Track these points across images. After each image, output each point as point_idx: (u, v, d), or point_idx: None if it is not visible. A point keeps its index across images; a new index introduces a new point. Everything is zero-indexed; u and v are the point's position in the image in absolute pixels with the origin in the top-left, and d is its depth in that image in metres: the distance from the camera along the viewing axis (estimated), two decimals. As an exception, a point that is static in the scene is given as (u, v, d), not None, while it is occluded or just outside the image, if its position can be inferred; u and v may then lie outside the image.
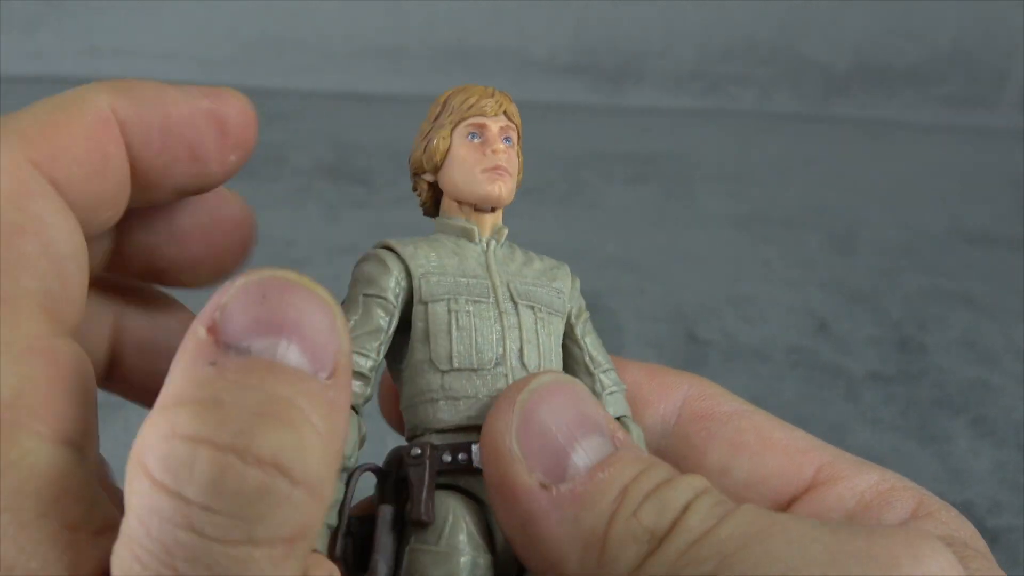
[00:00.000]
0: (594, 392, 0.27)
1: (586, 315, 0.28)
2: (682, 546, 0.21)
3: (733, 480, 0.27)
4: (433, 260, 0.26)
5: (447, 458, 0.25)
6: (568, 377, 0.24)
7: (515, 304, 0.26)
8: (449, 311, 0.26)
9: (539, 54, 1.26)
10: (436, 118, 0.27)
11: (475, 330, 0.26)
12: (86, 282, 0.23)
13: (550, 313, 0.27)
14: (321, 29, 1.26)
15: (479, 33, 1.26)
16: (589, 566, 0.22)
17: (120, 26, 1.26)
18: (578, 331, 0.28)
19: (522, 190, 0.28)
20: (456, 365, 0.25)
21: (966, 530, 0.25)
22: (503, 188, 0.27)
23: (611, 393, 0.27)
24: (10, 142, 0.23)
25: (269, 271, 0.21)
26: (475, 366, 0.25)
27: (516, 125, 0.27)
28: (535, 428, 0.23)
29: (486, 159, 0.27)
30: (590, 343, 0.28)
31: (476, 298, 0.26)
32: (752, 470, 0.27)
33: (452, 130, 0.27)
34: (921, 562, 0.20)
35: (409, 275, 0.26)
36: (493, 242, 0.27)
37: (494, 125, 0.27)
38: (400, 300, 0.26)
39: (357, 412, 0.25)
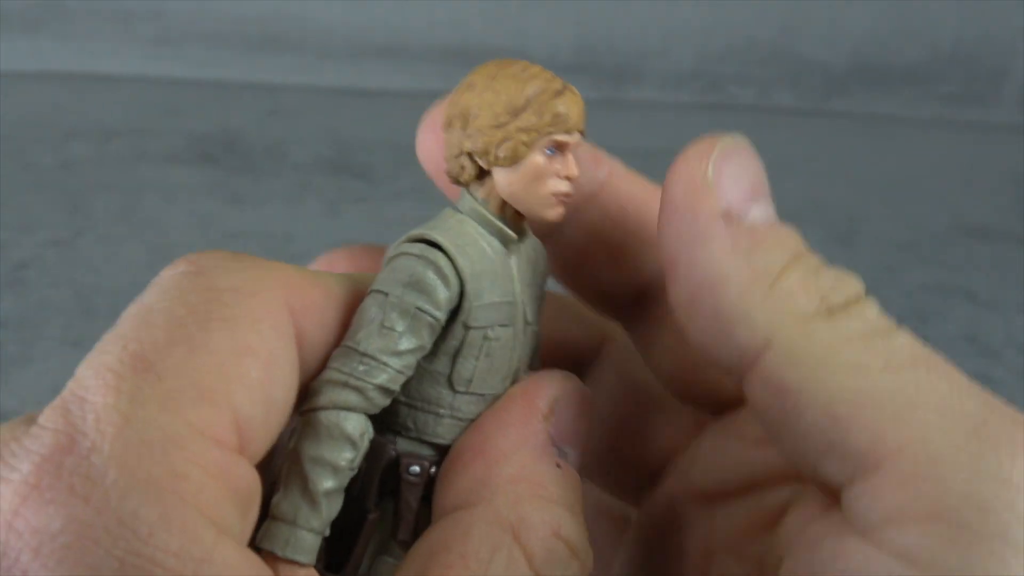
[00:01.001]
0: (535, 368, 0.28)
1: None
2: (858, 331, 0.22)
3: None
4: (483, 276, 0.25)
5: (434, 472, 0.25)
6: (747, 140, 0.25)
7: (526, 324, 0.26)
8: (484, 338, 0.25)
9: (540, 54, 1.26)
10: (518, 113, 0.25)
11: (497, 359, 0.25)
12: (283, 421, 0.23)
13: (538, 324, 0.27)
14: (321, 29, 1.26)
15: (480, 33, 1.25)
16: (752, 297, 0.22)
17: (120, 21, 1.25)
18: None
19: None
20: (472, 389, 0.25)
21: None
22: (562, 217, 0.26)
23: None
24: (276, 277, 0.24)
25: (584, 395, 0.25)
26: (485, 391, 0.25)
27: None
28: (730, 168, 0.24)
29: (558, 184, 0.25)
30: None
31: (504, 323, 0.25)
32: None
33: (535, 140, 0.25)
34: None
35: (462, 296, 0.24)
36: (520, 249, 0.26)
37: (573, 143, 0.25)
38: (447, 318, 0.25)
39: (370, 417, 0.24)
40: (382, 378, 0.24)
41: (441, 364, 0.25)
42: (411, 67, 1.27)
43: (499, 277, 0.25)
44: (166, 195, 1.00)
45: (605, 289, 0.30)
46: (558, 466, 0.24)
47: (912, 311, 0.87)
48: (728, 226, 0.23)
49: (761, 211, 0.24)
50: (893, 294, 0.90)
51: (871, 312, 0.23)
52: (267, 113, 1.21)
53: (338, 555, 0.25)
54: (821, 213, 1.06)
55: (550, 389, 0.25)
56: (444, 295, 0.24)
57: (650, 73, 1.27)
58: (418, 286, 0.24)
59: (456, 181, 0.26)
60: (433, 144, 0.28)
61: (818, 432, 0.22)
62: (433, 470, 0.25)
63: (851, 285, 0.23)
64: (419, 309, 0.24)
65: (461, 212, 0.26)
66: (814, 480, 0.23)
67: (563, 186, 0.25)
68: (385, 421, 0.25)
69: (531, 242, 0.27)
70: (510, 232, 0.25)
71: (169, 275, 0.23)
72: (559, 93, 0.25)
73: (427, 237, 0.24)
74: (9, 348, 0.73)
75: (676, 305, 0.24)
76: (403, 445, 0.25)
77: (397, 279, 0.24)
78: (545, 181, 0.25)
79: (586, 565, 0.23)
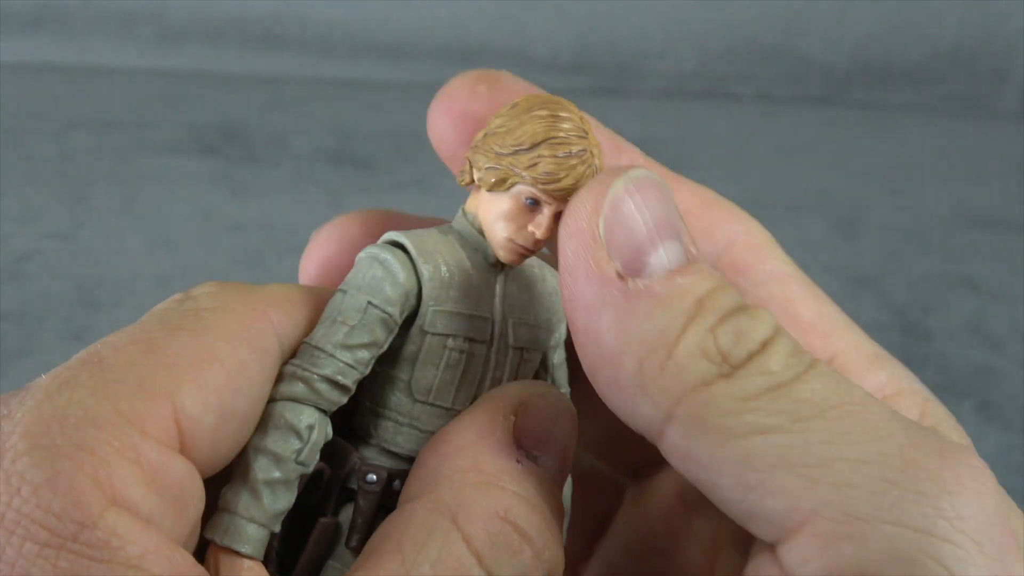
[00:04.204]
0: None
1: (563, 347, 0.27)
2: (759, 388, 0.21)
3: None
4: (448, 283, 0.25)
5: (397, 485, 0.25)
6: (660, 178, 0.23)
7: (508, 349, 0.25)
8: (445, 347, 0.25)
9: (540, 54, 1.25)
10: (521, 152, 0.24)
11: (462, 372, 0.25)
12: (246, 431, 0.24)
13: (534, 351, 0.26)
14: (322, 29, 1.26)
15: (480, 33, 1.25)
16: (648, 370, 0.21)
17: (121, 13, 1.25)
18: (553, 355, 0.27)
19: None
20: (432, 400, 0.25)
21: (965, 443, 0.25)
22: (517, 263, 0.25)
23: None
24: (261, 297, 0.25)
25: (558, 402, 0.24)
26: (448, 405, 0.25)
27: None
28: (623, 217, 0.22)
29: (523, 234, 0.24)
30: (557, 368, 0.27)
31: (475, 337, 0.25)
32: None
33: (517, 184, 0.24)
34: (978, 496, 0.20)
35: (420, 298, 0.25)
36: (516, 273, 0.26)
37: (557, 207, 0.24)
38: (403, 318, 0.25)
39: (327, 415, 0.24)
40: (328, 370, 0.24)
41: (402, 370, 0.25)
42: (411, 66, 1.27)
43: (473, 290, 0.25)
44: (167, 186, 0.99)
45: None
46: (518, 462, 0.23)
47: (915, 301, 0.87)
48: (623, 290, 0.22)
49: (664, 256, 0.22)
50: (896, 284, 0.90)
51: (776, 361, 0.21)
52: (268, 104, 1.21)
53: (293, 558, 0.25)
54: (824, 203, 1.06)
55: (519, 393, 0.24)
56: (394, 291, 0.24)
57: (651, 73, 1.27)
58: (371, 282, 0.24)
59: (459, 179, 0.26)
60: (444, 125, 0.27)
61: (733, 500, 0.21)
62: (396, 484, 0.25)
63: (755, 332, 0.21)
64: (370, 303, 0.24)
65: (452, 225, 0.26)
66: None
67: (524, 238, 0.25)
68: (352, 427, 0.26)
69: (539, 272, 0.27)
70: (489, 252, 0.25)
71: (162, 302, 0.24)
72: (567, 155, 0.24)
73: (394, 239, 0.25)
74: (9, 341, 0.73)
75: (584, 366, 0.23)
76: (366, 452, 0.25)
77: (355, 276, 0.25)
78: (510, 224, 0.24)
79: (542, 556, 0.22)
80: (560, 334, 0.27)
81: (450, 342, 0.25)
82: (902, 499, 0.20)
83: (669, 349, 0.21)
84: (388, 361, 0.25)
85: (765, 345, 0.21)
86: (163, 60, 1.27)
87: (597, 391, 0.23)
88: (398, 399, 0.25)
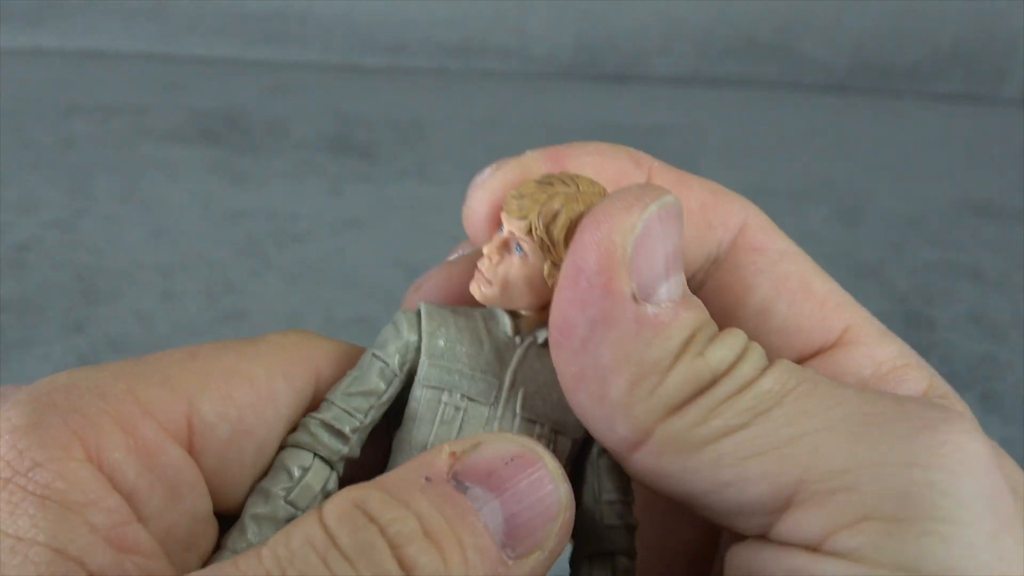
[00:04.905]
0: (590, 523, 0.25)
1: None
2: (724, 395, 0.22)
3: (770, 324, 0.26)
4: (453, 342, 0.25)
5: None
6: (681, 206, 0.23)
7: (515, 415, 0.25)
8: (440, 402, 0.25)
9: (540, 53, 1.25)
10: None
11: (458, 430, 0.25)
12: (261, 458, 0.25)
13: (557, 432, 0.25)
14: (322, 20, 1.25)
15: (480, 32, 1.25)
16: (638, 393, 0.22)
17: (120, 2, 1.25)
18: (595, 454, 0.26)
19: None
20: None
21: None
22: (479, 292, 0.25)
23: (612, 527, 0.25)
24: (315, 346, 0.26)
25: (521, 447, 0.23)
26: None
27: (545, 236, 0.24)
28: (650, 243, 0.22)
29: (482, 258, 0.25)
30: (604, 470, 0.26)
31: (474, 396, 0.25)
32: (789, 317, 0.26)
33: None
34: (955, 435, 0.21)
35: (419, 351, 0.25)
36: (534, 340, 0.25)
37: (505, 227, 0.24)
38: (405, 372, 0.25)
39: (332, 467, 0.25)
40: (326, 415, 0.24)
41: (405, 430, 0.25)
42: (412, 55, 1.27)
43: (483, 353, 0.25)
44: (168, 174, 0.99)
45: None
46: (427, 479, 0.22)
47: (918, 290, 0.87)
48: (635, 311, 0.22)
49: (672, 287, 0.23)
50: (899, 273, 0.89)
51: (744, 369, 0.22)
52: (269, 91, 1.21)
53: None
54: (827, 191, 1.05)
55: (488, 437, 0.23)
56: (395, 343, 0.25)
57: (651, 72, 1.27)
58: (381, 338, 0.25)
59: None
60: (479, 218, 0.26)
61: (713, 503, 0.22)
62: None
63: (735, 344, 0.23)
64: (373, 355, 0.25)
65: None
66: (739, 531, 0.23)
67: (481, 260, 0.25)
68: None
69: None
70: (503, 318, 0.25)
71: None
72: (522, 186, 0.24)
73: (422, 302, 0.26)
74: (10, 331, 0.73)
75: (560, 371, 0.23)
76: None
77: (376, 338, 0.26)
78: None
79: (390, 535, 0.20)
80: None
81: (445, 396, 0.25)
82: (876, 444, 0.21)
83: (662, 376, 0.22)
84: (399, 424, 0.25)
85: (743, 352, 0.23)
86: (164, 47, 1.27)
87: (570, 399, 0.23)
88: (405, 459, 0.25)
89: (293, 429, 0.25)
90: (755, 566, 0.22)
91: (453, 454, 0.22)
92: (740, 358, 0.22)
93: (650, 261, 0.22)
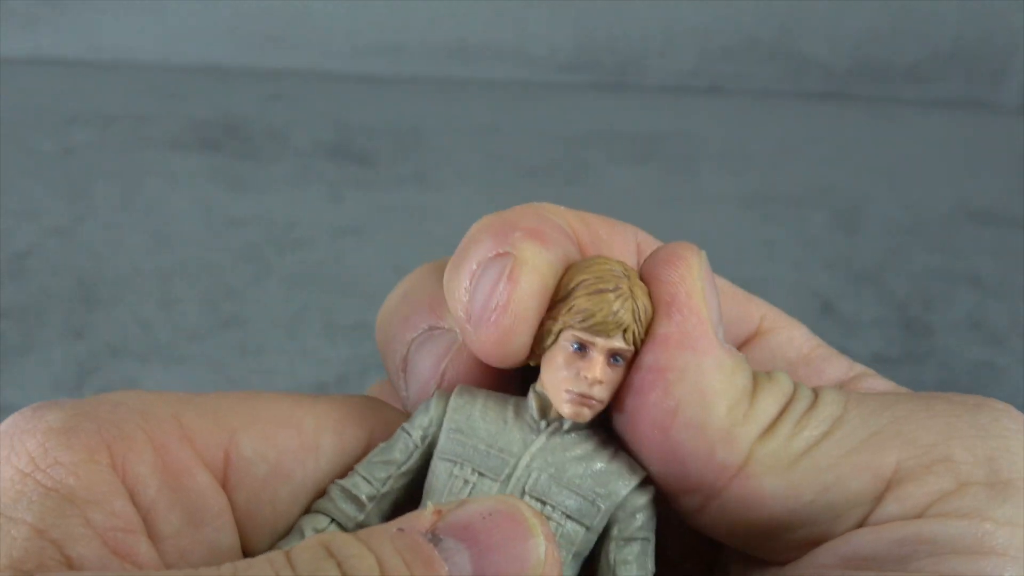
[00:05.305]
0: None
1: (638, 545, 0.25)
2: (800, 410, 0.24)
3: None
4: (475, 419, 0.25)
5: None
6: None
7: (523, 494, 0.25)
8: (450, 475, 0.25)
9: (540, 53, 1.25)
10: (559, 303, 0.24)
11: None
12: (292, 506, 0.25)
13: (568, 518, 0.25)
14: (322, 22, 1.26)
15: (480, 32, 1.25)
16: (735, 416, 0.24)
17: (121, 7, 1.25)
18: (612, 548, 0.25)
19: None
20: None
21: None
22: (583, 416, 0.24)
23: None
24: (372, 408, 0.26)
25: (503, 504, 0.23)
26: None
27: (635, 335, 0.24)
28: (712, 288, 0.25)
29: (578, 381, 0.24)
30: (620, 564, 0.25)
31: (484, 471, 0.25)
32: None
33: (560, 331, 0.24)
34: (1011, 415, 0.24)
35: (441, 426, 0.25)
36: (561, 424, 0.25)
37: (604, 345, 0.24)
38: (425, 444, 0.25)
39: (344, 529, 0.25)
40: (347, 482, 0.25)
41: (421, 504, 0.25)
42: (412, 61, 1.27)
43: (503, 433, 0.25)
44: (168, 181, 0.99)
45: None
46: (400, 530, 0.22)
47: (916, 296, 0.87)
48: (719, 341, 0.24)
49: (723, 331, 0.25)
50: (897, 279, 0.90)
51: (804, 391, 0.24)
52: (268, 98, 1.21)
53: None
54: (826, 198, 1.05)
55: (471, 498, 0.23)
56: (422, 419, 0.25)
57: (651, 72, 1.27)
58: (412, 416, 0.26)
59: (533, 362, 0.26)
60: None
61: (820, 508, 0.23)
62: None
63: (786, 376, 0.25)
64: (402, 429, 0.25)
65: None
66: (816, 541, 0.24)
67: (578, 385, 0.24)
68: None
69: (606, 452, 0.25)
70: (533, 405, 0.25)
71: None
72: (600, 292, 0.24)
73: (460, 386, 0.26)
74: (10, 337, 0.73)
75: (652, 415, 0.24)
76: None
77: None
78: (562, 374, 0.24)
79: (345, 571, 0.21)
80: (622, 527, 0.25)
81: (457, 469, 0.25)
82: (950, 423, 0.23)
83: (751, 399, 0.24)
84: (419, 500, 0.25)
85: (795, 383, 0.25)
86: (163, 55, 1.27)
87: (664, 438, 0.24)
88: None
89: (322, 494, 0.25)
90: (848, 549, 0.23)
91: (438, 512, 0.22)
92: (796, 383, 0.25)
93: (714, 301, 0.24)
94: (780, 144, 1.18)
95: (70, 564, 0.20)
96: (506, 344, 0.24)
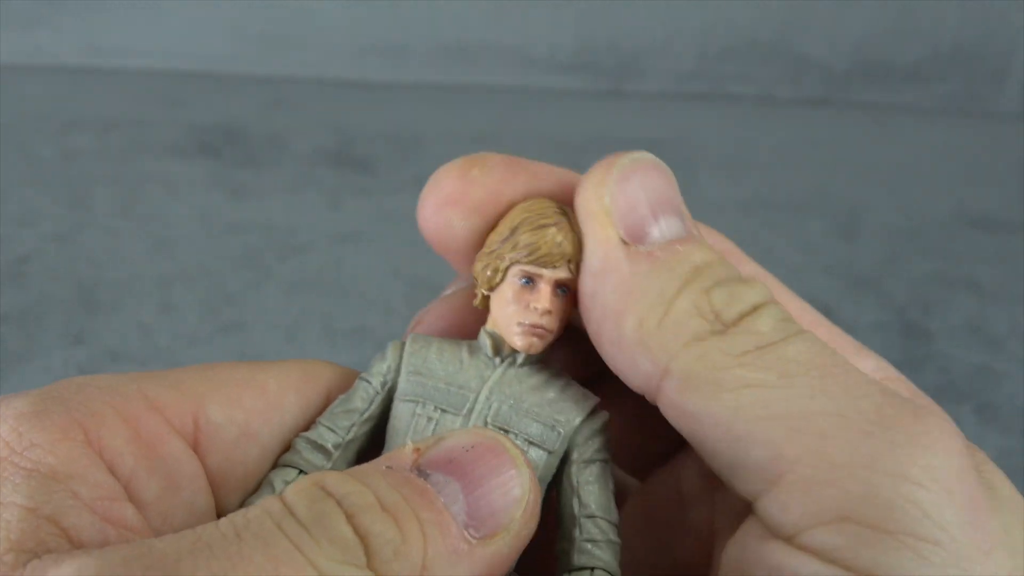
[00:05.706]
0: (569, 539, 0.25)
1: (598, 466, 0.26)
2: (749, 345, 0.23)
3: None
4: (432, 360, 0.26)
5: None
6: (662, 163, 0.25)
7: (486, 424, 0.26)
8: (413, 414, 0.26)
9: (540, 53, 1.25)
10: (502, 242, 0.26)
11: None
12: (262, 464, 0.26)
13: (531, 444, 0.26)
14: (321, 28, 1.26)
15: (480, 32, 1.25)
16: (647, 326, 0.23)
17: (120, 13, 1.25)
18: (574, 471, 0.26)
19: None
20: None
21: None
22: (535, 346, 0.26)
23: (592, 541, 0.25)
24: (333, 372, 0.27)
25: (483, 436, 0.23)
26: None
27: (576, 265, 0.25)
28: (627, 191, 0.24)
29: (528, 313, 0.25)
30: (584, 485, 0.26)
31: (446, 407, 0.26)
32: None
33: (507, 268, 0.26)
34: (948, 451, 0.22)
35: (399, 371, 0.26)
36: (515, 359, 0.26)
37: (551, 276, 0.25)
38: (386, 390, 0.26)
39: None
40: (311, 433, 0.26)
41: (385, 447, 0.26)
42: (411, 66, 1.27)
43: (461, 371, 0.26)
44: (167, 187, 0.99)
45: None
46: (387, 467, 0.22)
47: (915, 301, 0.87)
48: (626, 253, 0.24)
49: (665, 228, 0.24)
50: (896, 285, 0.90)
51: (765, 323, 0.23)
52: (268, 105, 1.21)
53: None
54: (824, 203, 1.06)
55: (445, 434, 0.24)
56: (379, 366, 0.26)
57: (651, 72, 1.27)
58: (370, 364, 0.27)
59: (476, 303, 0.27)
60: (436, 220, 0.28)
61: (722, 452, 0.23)
62: None
63: (748, 296, 0.24)
64: (361, 378, 0.27)
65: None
66: (732, 492, 0.24)
67: (528, 316, 0.25)
68: None
69: (560, 382, 0.26)
70: (487, 343, 0.26)
71: None
72: (542, 227, 0.25)
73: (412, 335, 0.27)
74: (10, 343, 0.73)
75: (592, 337, 0.25)
76: None
77: None
78: (512, 307, 0.25)
79: (346, 507, 0.21)
80: (581, 451, 0.26)
81: (419, 408, 0.25)
82: (878, 448, 0.21)
83: (666, 307, 0.23)
84: (383, 444, 0.26)
85: (756, 308, 0.23)
86: (163, 61, 1.27)
87: (601, 353, 0.25)
88: None
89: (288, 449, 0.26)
90: (743, 565, 0.23)
91: (417, 449, 0.23)
92: (754, 313, 0.23)
93: (632, 207, 0.24)
94: (779, 150, 1.18)
95: (67, 536, 0.20)
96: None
